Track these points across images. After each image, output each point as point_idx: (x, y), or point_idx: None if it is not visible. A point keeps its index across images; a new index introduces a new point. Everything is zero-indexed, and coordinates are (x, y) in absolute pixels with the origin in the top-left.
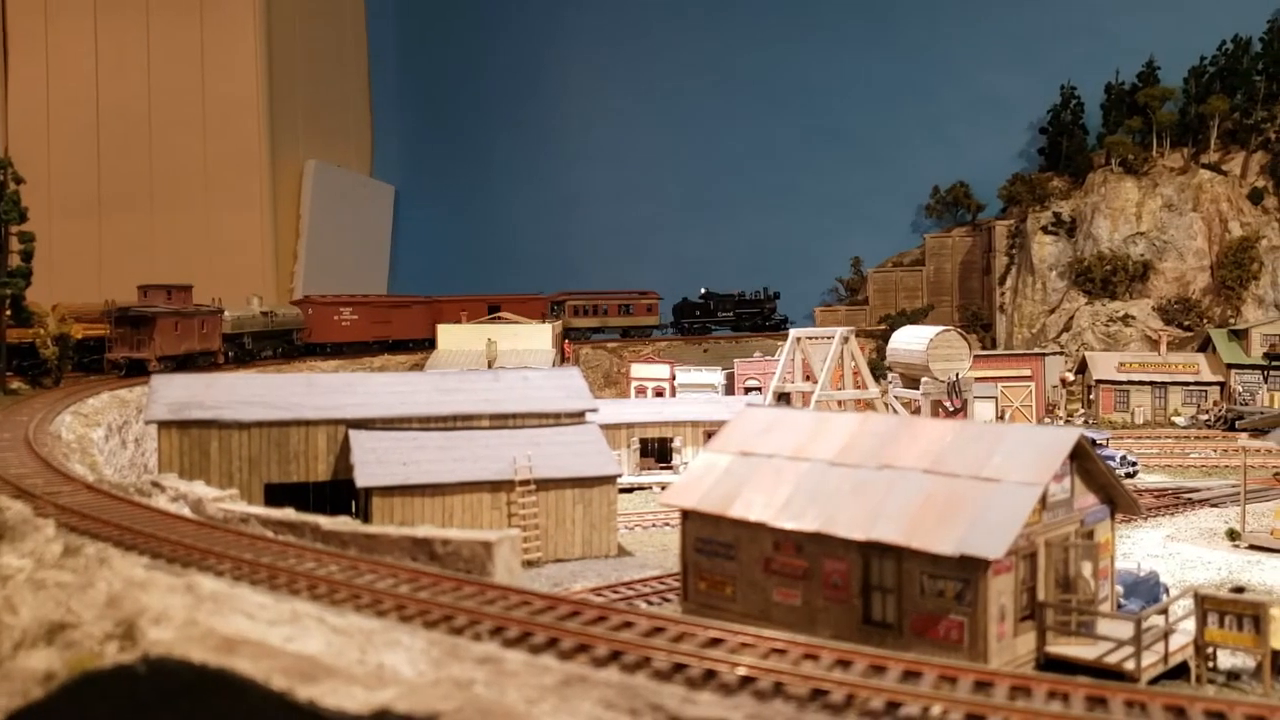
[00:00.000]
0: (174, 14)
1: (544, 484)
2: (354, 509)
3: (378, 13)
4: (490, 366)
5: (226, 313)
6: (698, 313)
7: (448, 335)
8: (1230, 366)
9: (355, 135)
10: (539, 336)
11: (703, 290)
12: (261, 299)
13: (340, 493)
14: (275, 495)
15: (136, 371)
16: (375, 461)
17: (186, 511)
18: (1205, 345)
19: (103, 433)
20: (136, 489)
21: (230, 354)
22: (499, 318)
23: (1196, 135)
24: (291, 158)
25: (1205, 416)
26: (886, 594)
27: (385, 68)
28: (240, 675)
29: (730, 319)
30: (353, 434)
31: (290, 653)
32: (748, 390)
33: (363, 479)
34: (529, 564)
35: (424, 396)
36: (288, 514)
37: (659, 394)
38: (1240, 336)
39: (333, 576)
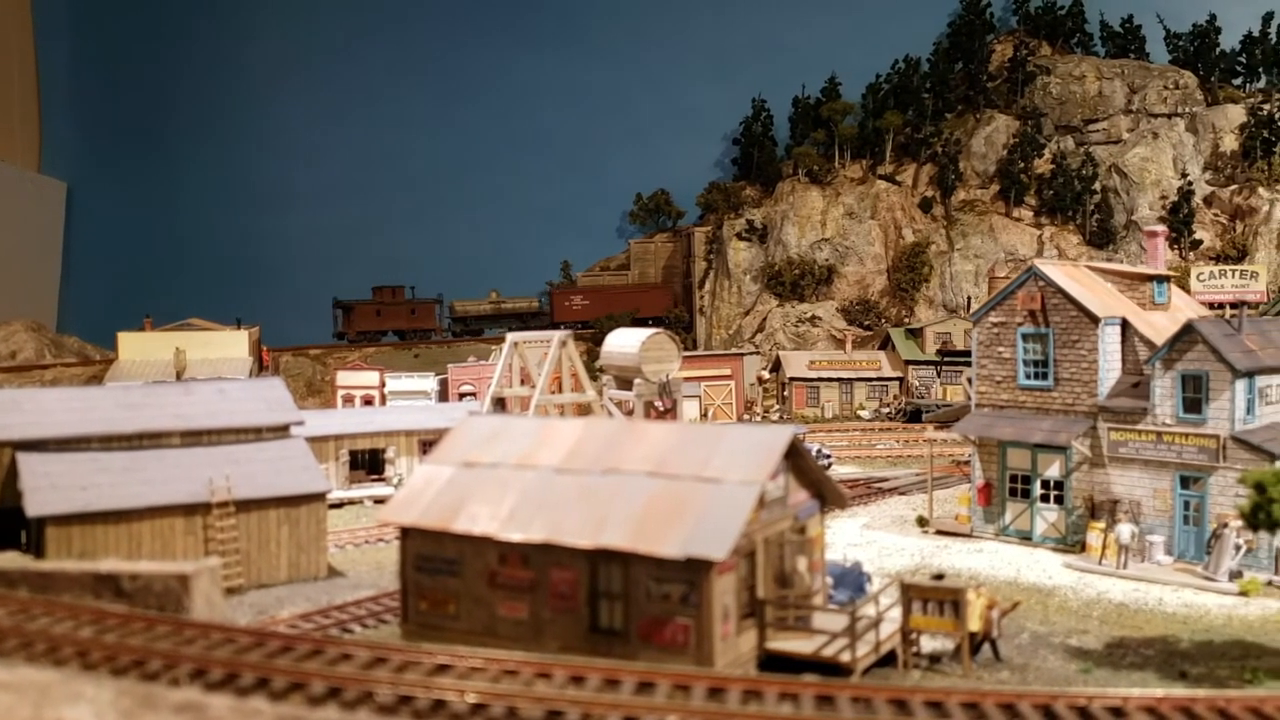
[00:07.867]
0: None
1: (245, 505)
2: (24, 542)
3: None
4: (179, 378)
5: (454, 302)
6: None
7: (130, 344)
8: (908, 363)
9: (20, 127)
10: (234, 344)
11: None
12: (498, 292)
13: (8, 524)
14: None
15: (341, 340)
16: (49, 487)
17: None
18: (885, 343)
19: None
20: None
21: (457, 331)
22: (188, 324)
23: (874, 148)
24: None
25: (887, 409)
26: (614, 600)
27: (55, 53)
28: None
29: None
30: (21, 456)
31: None
32: (462, 396)
33: (34, 507)
34: (230, 591)
35: (104, 413)
36: None
37: (368, 402)
38: (916, 335)
39: None
